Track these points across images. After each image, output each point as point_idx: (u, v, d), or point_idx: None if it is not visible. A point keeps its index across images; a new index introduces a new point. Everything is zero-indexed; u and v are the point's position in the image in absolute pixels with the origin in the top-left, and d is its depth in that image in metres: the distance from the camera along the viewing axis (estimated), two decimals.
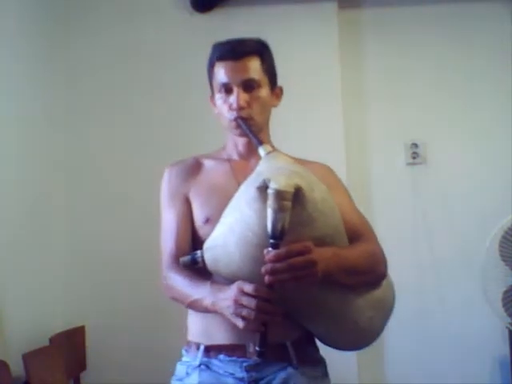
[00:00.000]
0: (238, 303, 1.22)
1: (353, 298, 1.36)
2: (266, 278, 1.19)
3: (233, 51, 1.44)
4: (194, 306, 1.36)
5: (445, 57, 3.03)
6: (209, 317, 1.37)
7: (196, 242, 1.44)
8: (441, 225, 2.96)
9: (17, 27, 2.61)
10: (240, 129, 1.45)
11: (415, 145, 2.99)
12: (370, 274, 1.39)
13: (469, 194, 2.95)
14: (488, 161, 2.98)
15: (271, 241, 1.19)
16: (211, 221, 1.40)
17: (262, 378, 1.36)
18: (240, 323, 1.22)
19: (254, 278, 1.23)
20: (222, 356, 1.37)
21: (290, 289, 1.24)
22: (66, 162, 2.88)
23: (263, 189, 1.22)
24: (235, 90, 1.44)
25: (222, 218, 1.33)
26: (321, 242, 1.26)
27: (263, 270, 1.19)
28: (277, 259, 1.18)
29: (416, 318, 2.86)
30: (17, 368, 2.18)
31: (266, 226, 1.19)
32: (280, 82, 1.55)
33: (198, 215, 1.45)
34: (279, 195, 1.18)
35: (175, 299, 1.41)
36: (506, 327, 2.61)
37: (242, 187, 1.32)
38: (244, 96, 1.43)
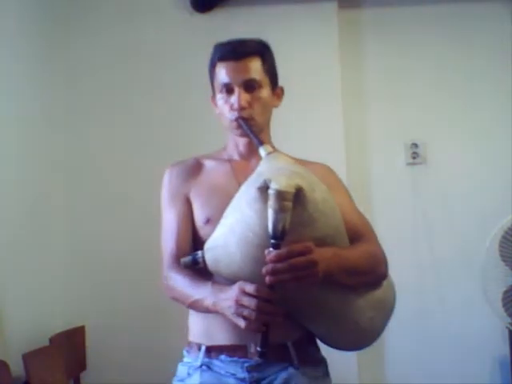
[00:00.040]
0: (239, 303, 1.22)
1: (353, 298, 1.36)
2: (267, 279, 1.19)
3: (234, 51, 1.45)
4: (195, 306, 1.36)
5: (445, 57, 3.03)
6: (210, 317, 1.37)
7: (197, 242, 1.44)
8: (441, 225, 2.96)
9: (16, 27, 2.60)
10: (241, 129, 1.45)
11: (415, 145, 2.99)
12: (371, 274, 1.39)
13: (469, 193, 2.95)
14: (488, 161, 2.98)
15: (272, 241, 1.19)
16: (212, 221, 1.40)
17: (263, 379, 1.36)
18: (241, 323, 1.22)
19: (255, 278, 1.23)
20: (223, 356, 1.37)
21: (291, 289, 1.24)
22: (65, 161, 2.88)
23: (264, 189, 1.22)
24: (236, 90, 1.44)
25: (222, 218, 1.33)
26: (321, 242, 1.26)
27: (264, 270, 1.19)
28: (278, 259, 1.18)
29: (416, 318, 2.86)
30: (17, 368, 2.18)
31: (266, 226, 1.19)
32: (280, 82, 1.55)
33: (199, 215, 1.45)
34: (280, 196, 1.18)
35: (176, 299, 1.41)
36: (506, 327, 2.62)
37: (243, 188, 1.32)
38: (245, 96, 1.43)
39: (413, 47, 3.05)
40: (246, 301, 1.21)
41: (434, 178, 2.99)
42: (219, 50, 1.47)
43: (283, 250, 1.19)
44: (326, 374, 1.47)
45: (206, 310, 1.33)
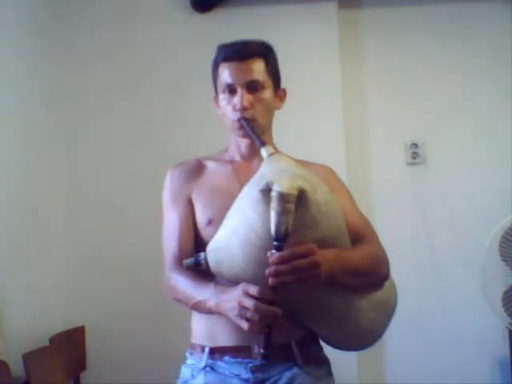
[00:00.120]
0: (242, 305, 1.22)
1: (355, 299, 1.36)
2: (270, 280, 1.19)
3: (238, 52, 1.45)
4: (198, 307, 1.36)
5: (445, 56, 3.03)
6: (213, 319, 1.37)
7: (199, 243, 1.44)
8: (441, 225, 2.96)
9: (16, 21, 2.60)
10: (243, 130, 1.45)
11: (415, 145, 2.99)
12: (373, 275, 1.40)
13: (469, 193, 2.95)
14: (488, 161, 2.98)
15: (275, 243, 1.19)
16: (214, 222, 1.40)
17: (267, 379, 1.37)
18: (244, 325, 1.23)
19: (257, 279, 1.23)
20: (227, 357, 1.38)
21: (293, 291, 1.24)
22: (65, 161, 2.88)
23: (266, 191, 1.22)
24: (239, 90, 1.44)
25: (225, 220, 1.34)
26: (324, 243, 1.26)
27: (267, 272, 1.19)
28: (280, 261, 1.19)
29: (416, 318, 2.86)
30: (17, 368, 2.17)
31: (269, 228, 1.19)
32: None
33: (201, 217, 1.45)
34: (283, 198, 1.18)
35: (178, 300, 1.42)
36: (506, 327, 2.62)
37: (245, 189, 1.32)
38: (248, 97, 1.44)
39: (413, 47, 3.04)
40: (249, 302, 1.21)
41: (434, 178, 2.99)
42: (223, 51, 1.47)
43: (286, 252, 1.19)
44: (329, 373, 1.47)
45: (209, 311, 1.33)
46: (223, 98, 1.48)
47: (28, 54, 2.67)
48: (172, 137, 2.86)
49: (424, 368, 2.87)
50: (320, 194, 1.27)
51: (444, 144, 3.01)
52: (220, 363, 1.38)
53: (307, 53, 2.94)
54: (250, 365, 1.36)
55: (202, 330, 1.43)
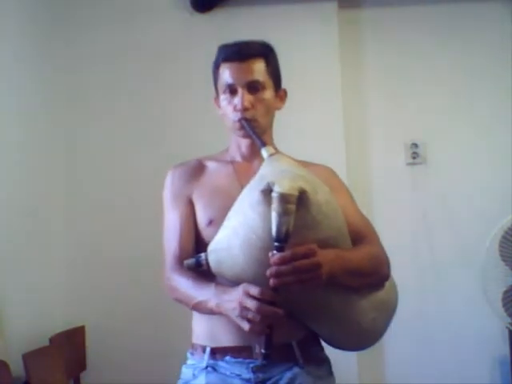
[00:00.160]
0: (243, 306, 1.22)
1: (356, 299, 1.36)
2: (271, 281, 1.19)
3: (238, 53, 1.45)
4: (199, 307, 1.36)
5: (444, 56, 3.03)
6: (214, 319, 1.37)
7: (199, 244, 1.44)
8: (441, 225, 2.96)
9: (17, 24, 2.60)
10: (244, 130, 1.45)
11: (415, 145, 2.99)
12: (374, 275, 1.40)
13: (469, 193, 2.95)
14: (488, 161, 2.98)
15: (276, 244, 1.19)
16: (214, 223, 1.40)
17: (268, 379, 1.37)
18: (245, 326, 1.23)
19: (258, 280, 1.23)
20: (228, 357, 1.38)
21: (294, 291, 1.24)
22: (65, 161, 2.88)
23: (267, 192, 1.22)
24: (240, 91, 1.44)
25: (225, 220, 1.34)
26: (324, 244, 1.26)
27: (268, 272, 1.19)
28: (282, 262, 1.19)
29: (416, 318, 2.86)
30: (17, 368, 2.17)
31: (269, 228, 1.19)
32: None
33: (201, 217, 1.45)
34: (284, 199, 1.18)
35: (179, 301, 1.42)
36: (506, 327, 2.62)
37: (246, 190, 1.32)
38: (248, 97, 1.44)
39: (413, 47, 3.04)
40: (250, 303, 1.21)
41: (434, 178, 2.99)
42: (223, 51, 1.48)
43: (287, 253, 1.19)
44: (330, 372, 1.47)
45: (210, 312, 1.34)
46: (224, 98, 1.48)
47: (28, 54, 2.67)
48: (172, 137, 2.86)
49: (424, 368, 2.87)
50: (321, 195, 1.27)
51: (444, 144, 3.01)
52: (221, 363, 1.38)
53: (307, 53, 2.93)
54: (251, 365, 1.36)
55: (203, 330, 1.44)
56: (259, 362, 1.35)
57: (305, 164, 1.46)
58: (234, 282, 1.29)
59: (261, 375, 1.36)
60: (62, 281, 2.78)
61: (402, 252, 2.79)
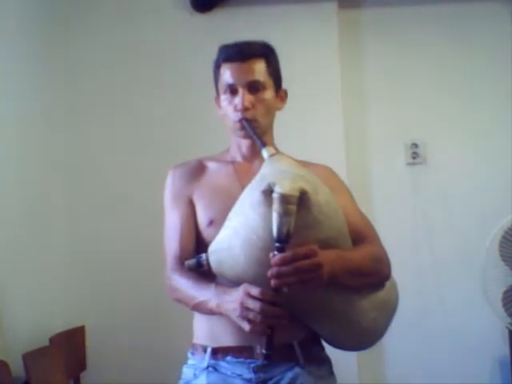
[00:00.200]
0: (244, 306, 1.22)
1: (357, 299, 1.37)
2: (272, 282, 1.20)
3: (239, 53, 1.45)
4: (199, 308, 1.37)
5: (445, 57, 3.03)
6: (214, 319, 1.37)
7: (200, 244, 1.44)
8: (441, 225, 2.97)
9: (16, 27, 2.60)
10: (244, 130, 1.45)
11: (415, 145, 2.99)
12: (374, 275, 1.40)
13: (469, 194, 2.95)
14: (488, 161, 2.98)
15: (277, 244, 1.19)
16: (215, 223, 1.40)
17: (269, 379, 1.37)
18: (246, 326, 1.23)
19: (259, 280, 1.23)
20: (229, 358, 1.38)
21: (295, 292, 1.24)
22: (65, 161, 2.88)
23: (268, 193, 1.22)
24: (240, 91, 1.44)
25: (226, 220, 1.34)
26: (325, 244, 1.26)
27: (269, 273, 1.19)
28: (283, 263, 1.19)
29: (416, 318, 2.86)
30: (17, 368, 2.17)
31: (270, 229, 1.19)
32: None
33: (202, 217, 1.45)
34: (284, 199, 1.18)
35: (179, 301, 1.42)
36: (506, 327, 2.62)
37: (247, 190, 1.32)
38: (249, 97, 1.44)
39: (413, 47, 3.04)
40: (251, 304, 1.21)
41: (434, 178, 2.99)
42: (224, 51, 1.48)
43: (288, 253, 1.19)
44: (331, 372, 1.48)
45: (210, 312, 1.34)
46: (224, 98, 1.48)
47: (27, 57, 2.67)
48: (172, 137, 2.86)
49: (424, 368, 2.87)
50: (321, 195, 1.27)
51: (444, 144, 3.01)
52: (222, 363, 1.38)
53: (307, 53, 2.93)
54: (252, 365, 1.36)
55: (203, 330, 1.44)
56: (260, 362, 1.35)
57: (304, 164, 1.46)
58: (235, 283, 1.29)
59: (262, 375, 1.36)
60: (61, 281, 2.78)
61: (402, 252, 2.78)
